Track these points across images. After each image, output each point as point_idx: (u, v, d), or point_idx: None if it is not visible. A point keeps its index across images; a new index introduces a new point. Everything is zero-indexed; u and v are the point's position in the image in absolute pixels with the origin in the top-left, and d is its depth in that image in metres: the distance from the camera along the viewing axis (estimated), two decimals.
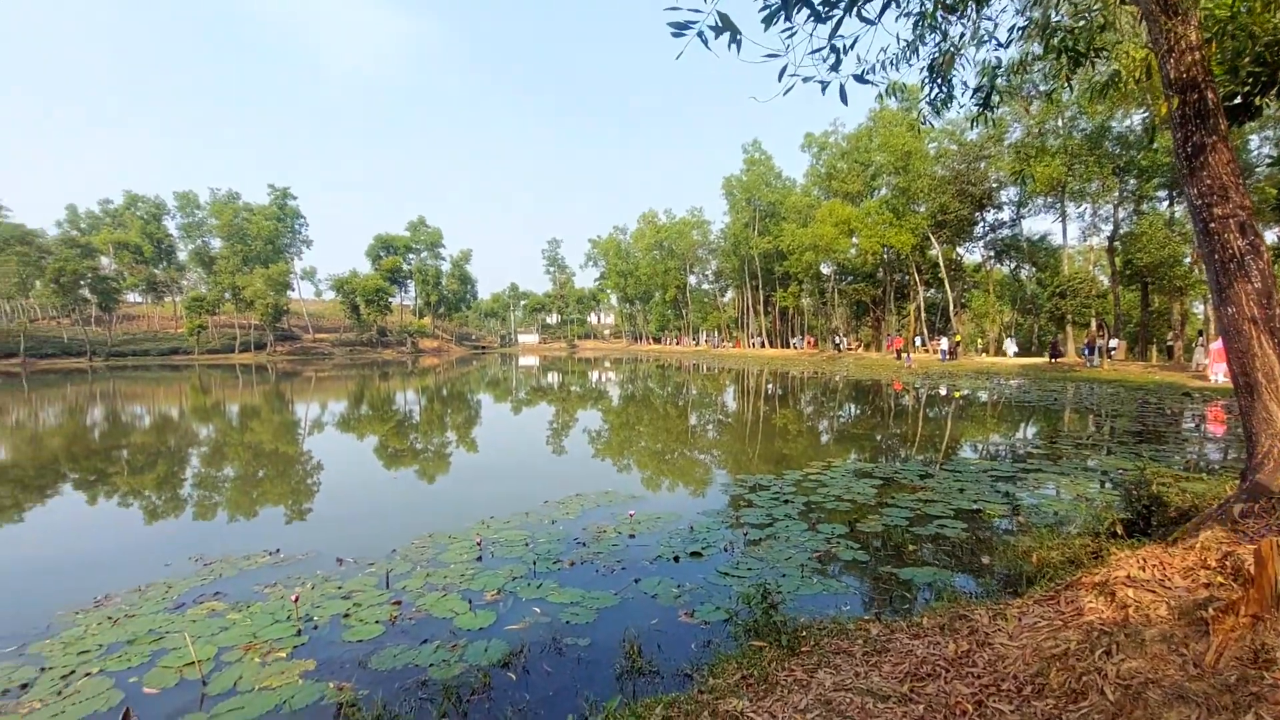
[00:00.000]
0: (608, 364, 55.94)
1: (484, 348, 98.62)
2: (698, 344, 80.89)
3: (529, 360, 66.74)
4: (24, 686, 4.00)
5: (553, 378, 40.35)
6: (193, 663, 4.20)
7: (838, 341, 49.94)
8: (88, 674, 4.13)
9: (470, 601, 5.16)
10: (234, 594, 5.49)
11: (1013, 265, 44.66)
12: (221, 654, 4.36)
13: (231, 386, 33.44)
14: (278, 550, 6.65)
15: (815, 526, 7.11)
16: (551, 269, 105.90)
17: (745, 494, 8.81)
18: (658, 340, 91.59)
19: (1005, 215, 41.44)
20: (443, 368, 52.09)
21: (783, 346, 63.30)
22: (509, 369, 50.32)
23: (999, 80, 5.72)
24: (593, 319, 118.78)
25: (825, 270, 53.19)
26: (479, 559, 6.25)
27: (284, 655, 4.32)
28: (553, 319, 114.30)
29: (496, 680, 3.97)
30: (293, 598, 5.11)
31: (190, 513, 8.84)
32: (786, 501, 8.27)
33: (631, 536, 6.93)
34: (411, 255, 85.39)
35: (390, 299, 78.95)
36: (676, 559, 6.18)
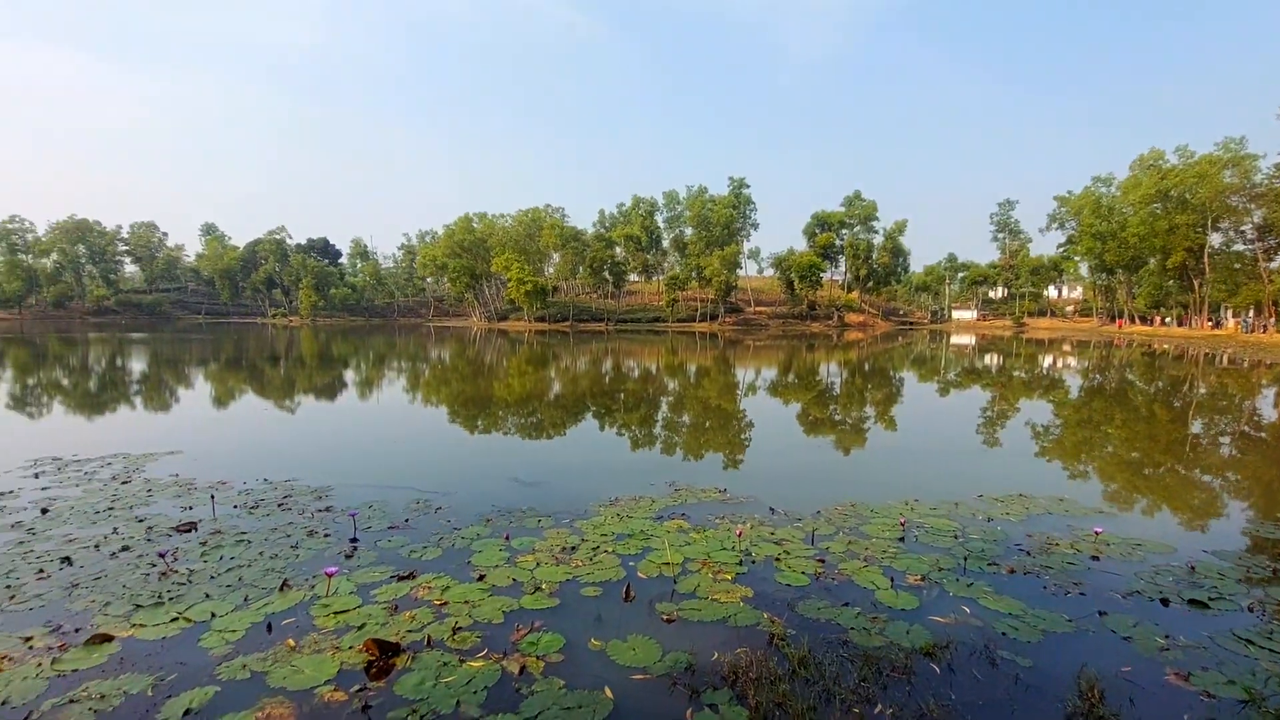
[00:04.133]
0: (1067, 347, 45.34)
1: (912, 323, 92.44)
2: (1216, 326, 57.95)
3: (962, 339, 59.58)
4: (573, 549, 5.85)
5: (991, 359, 35.22)
6: (668, 563, 5.42)
7: None
8: (606, 551, 5.76)
9: (892, 580, 5.11)
10: (694, 518, 6.77)
11: None
12: (686, 563, 5.48)
13: (692, 350, 40.43)
14: (725, 490, 7.87)
15: None
16: (1000, 235, 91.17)
17: None
18: (1145, 320, 69.35)
19: None
20: (866, 342, 51.30)
21: None
22: (938, 347, 46.03)
23: None
24: (1051, 292, 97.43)
25: None
26: (901, 539, 6.10)
27: (729, 578, 5.15)
28: (997, 293, 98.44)
29: (918, 666, 3.87)
30: (737, 532, 6.02)
31: (660, 445, 11.24)
32: None
33: (1095, 559, 5.68)
34: (844, 230, 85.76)
35: (821, 274, 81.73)
36: (1165, 602, 4.80)
